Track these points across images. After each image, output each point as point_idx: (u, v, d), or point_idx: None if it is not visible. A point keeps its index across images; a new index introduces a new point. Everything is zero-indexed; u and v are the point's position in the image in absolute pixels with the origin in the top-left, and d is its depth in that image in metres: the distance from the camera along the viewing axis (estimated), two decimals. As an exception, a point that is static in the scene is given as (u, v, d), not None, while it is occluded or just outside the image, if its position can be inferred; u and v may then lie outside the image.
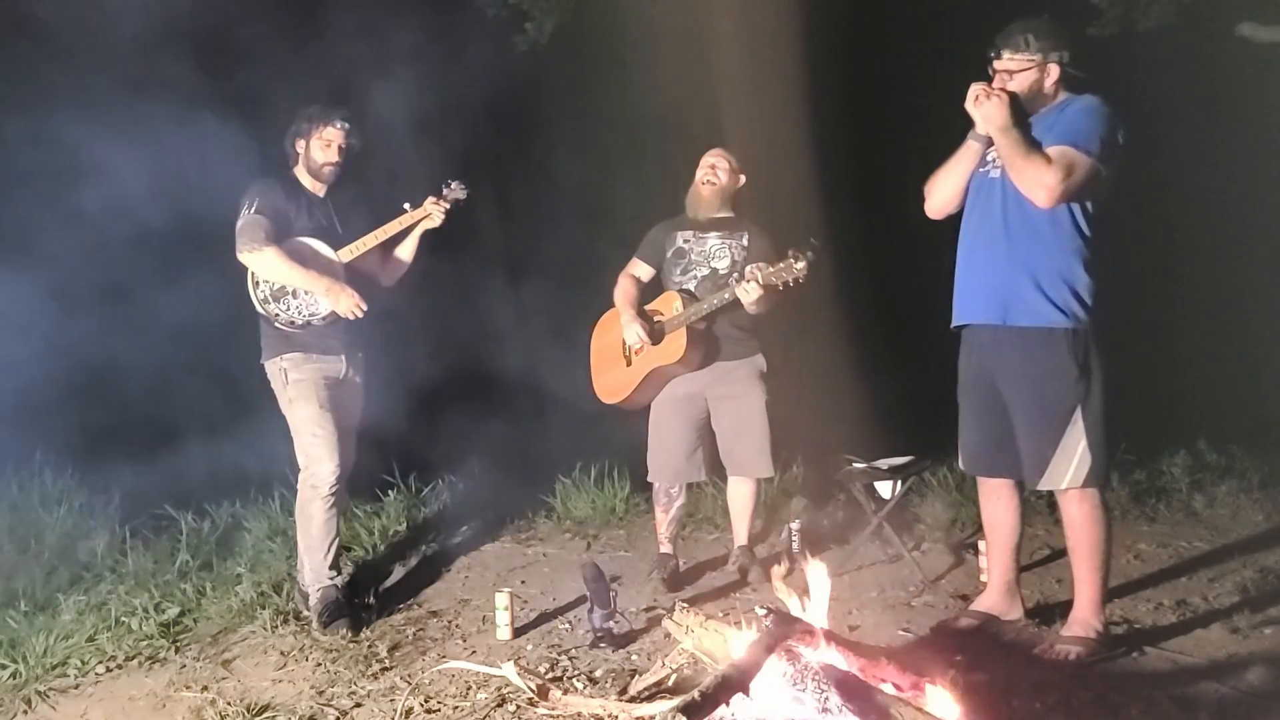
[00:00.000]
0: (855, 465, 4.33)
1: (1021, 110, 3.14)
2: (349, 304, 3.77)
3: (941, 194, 3.38)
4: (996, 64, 3.20)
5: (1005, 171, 3.14)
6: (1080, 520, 3.15)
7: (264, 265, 3.73)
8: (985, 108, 3.11)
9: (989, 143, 3.20)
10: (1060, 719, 2.68)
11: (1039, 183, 3.02)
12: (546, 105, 6.38)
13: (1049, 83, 3.17)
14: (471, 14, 6.56)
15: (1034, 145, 3.08)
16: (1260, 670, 2.90)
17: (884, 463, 4.29)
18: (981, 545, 4.00)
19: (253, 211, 3.74)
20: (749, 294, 3.79)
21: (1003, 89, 3.14)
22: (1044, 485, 3.17)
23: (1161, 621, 3.50)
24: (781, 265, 3.73)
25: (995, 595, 3.43)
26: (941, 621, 3.46)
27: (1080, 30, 6.61)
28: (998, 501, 3.39)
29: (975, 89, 3.15)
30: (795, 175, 5.57)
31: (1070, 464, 3.09)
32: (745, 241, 4.07)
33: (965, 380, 3.38)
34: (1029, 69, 3.15)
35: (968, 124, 3.25)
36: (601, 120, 6.01)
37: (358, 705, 3.02)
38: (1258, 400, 5.99)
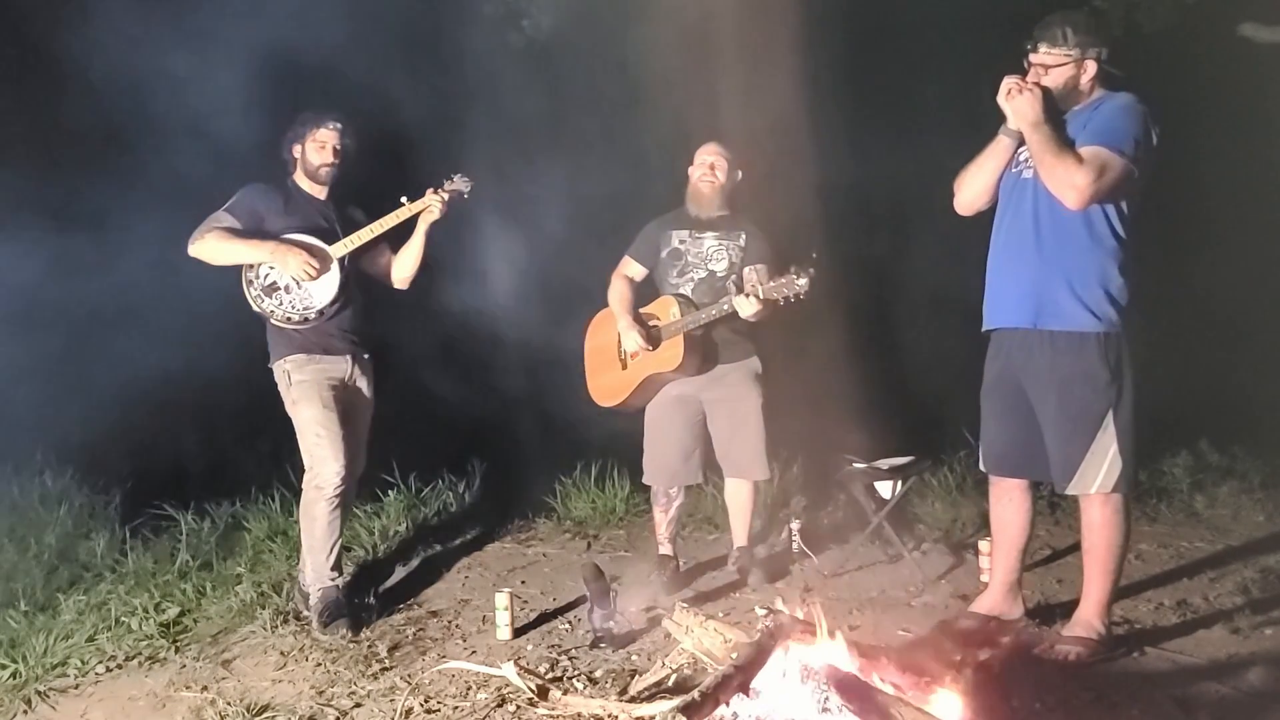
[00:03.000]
0: (855, 465, 4.33)
1: (1055, 106, 3.06)
2: (297, 264, 3.71)
3: (971, 189, 3.30)
4: (1033, 57, 3.10)
5: (1037, 172, 3.07)
6: (1100, 523, 3.11)
7: (206, 251, 3.73)
8: (1017, 102, 3.04)
9: (1021, 139, 3.12)
10: (1060, 719, 2.68)
11: (1069, 183, 2.95)
12: (543, 102, 6.37)
13: (1085, 79, 3.09)
14: (467, 11, 6.55)
15: (1066, 144, 3.00)
16: (1261, 670, 2.90)
17: (884, 463, 4.29)
18: (983, 545, 3.99)
19: (222, 209, 3.78)
20: (747, 308, 3.77)
21: (1037, 83, 3.05)
22: (1072, 490, 3.11)
23: (1162, 621, 3.49)
24: (782, 280, 3.69)
25: (997, 596, 3.41)
26: (942, 621, 3.45)
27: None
28: (1009, 503, 3.35)
29: (1009, 82, 3.06)
30: (798, 174, 5.56)
31: (1100, 469, 3.05)
32: (742, 242, 4.03)
33: (991, 382, 3.32)
34: (1066, 64, 3.06)
35: (990, 121, 3.21)
36: (599, 117, 5.99)
37: (358, 705, 3.02)
38: (1259, 400, 5.99)
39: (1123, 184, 3.00)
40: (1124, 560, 3.19)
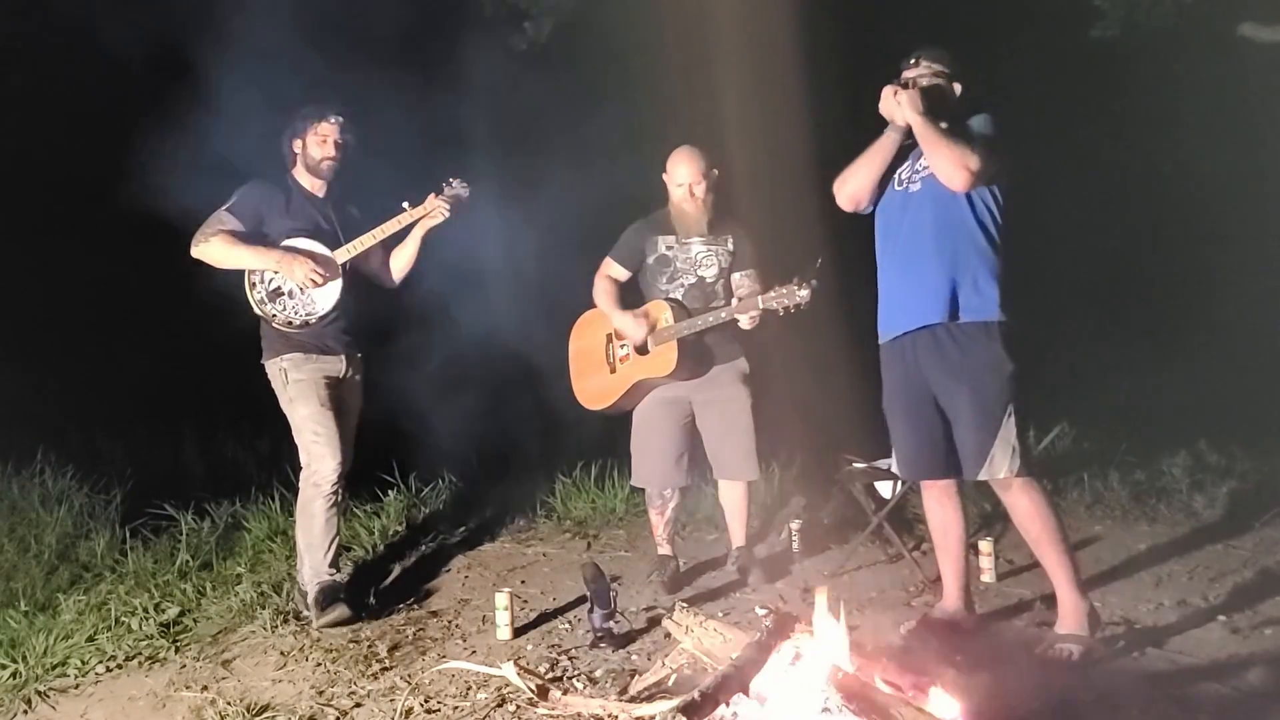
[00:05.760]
0: (855, 465, 4.33)
1: (936, 107, 3.25)
2: (304, 273, 3.74)
3: (857, 184, 3.43)
4: (911, 72, 3.32)
5: (928, 182, 3.24)
6: (1033, 509, 3.20)
7: (211, 253, 3.75)
8: (903, 97, 3.24)
9: (905, 135, 3.28)
10: (1060, 719, 2.68)
11: (962, 163, 3.12)
12: (545, 104, 6.38)
13: (954, 97, 3.32)
14: (470, 12, 6.56)
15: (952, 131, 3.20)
16: (1260, 670, 2.90)
17: (884, 463, 4.28)
18: (984, 545, 4.03)
19: (224, 209, 3.78)
20: (747, 319, 3.78)
21: (918, 85, 3.28)
22: (983, 475, 3.21)
23: (1161, 621, 3.49)
24: (783, 290, 3.67)
25: (954, 598, 3.41)
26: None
27: (1083, 32, 6.63)
28: (947, 502, 3.41)
29: (891, 87, 3.29)
30: (796, 175, 5.56)
31: (1008, 455, 3.15)
32: (730, 247, 4.02)
33: (895, 390, 3.41)
34: (943, 76, 3.32)
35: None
36: (601, 119, 6.00)
37: (358, 705, 3.02)
38: (1258, 400, 5.98)
39: (1001, 173, 3.21)
40: (1067, 536, 3.25)
